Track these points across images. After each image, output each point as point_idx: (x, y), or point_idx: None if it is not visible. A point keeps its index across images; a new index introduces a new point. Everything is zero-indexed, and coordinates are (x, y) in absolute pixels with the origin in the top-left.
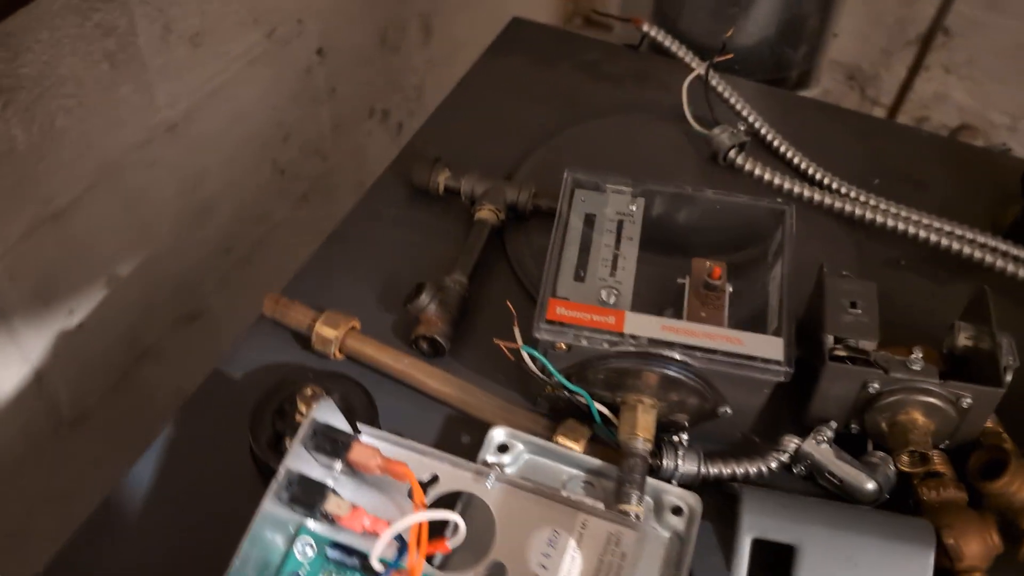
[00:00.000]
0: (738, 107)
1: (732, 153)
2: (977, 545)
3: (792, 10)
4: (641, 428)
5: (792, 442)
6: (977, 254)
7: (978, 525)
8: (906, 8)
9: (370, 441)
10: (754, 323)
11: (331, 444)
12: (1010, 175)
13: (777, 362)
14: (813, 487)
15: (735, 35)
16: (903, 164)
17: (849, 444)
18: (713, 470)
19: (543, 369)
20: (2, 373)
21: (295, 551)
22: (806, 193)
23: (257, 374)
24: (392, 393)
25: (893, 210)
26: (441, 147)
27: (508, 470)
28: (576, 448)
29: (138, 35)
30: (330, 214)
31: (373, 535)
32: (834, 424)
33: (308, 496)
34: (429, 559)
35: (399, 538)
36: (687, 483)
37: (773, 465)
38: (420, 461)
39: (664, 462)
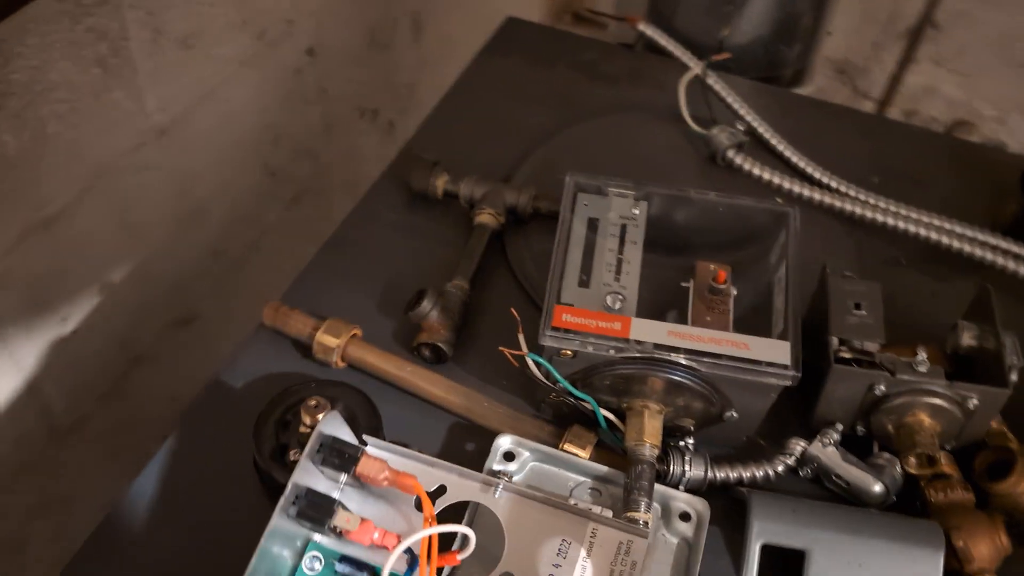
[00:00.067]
0: (735, 106)
1: (730, 153)
2: (986, 547)
3: (786, 8)
4: (648, 434)
5: (798, 445)
6: (978, 252)
7: (987, 526)
8: (895, 2)
9: (377, 453)
10: (757, 325)
11: (339, 458)
12: (1008, 171)
13: (784, 366)
14: (820, 490)
15: (730, 33)
16: (901, 161)
17: (855, 446)
18: (720, 474)
19: (548, 376)
20: None
21: (304, 566)
22: (806, 193)
23: (258, 384)
24: (395, 401)
25: (893, 208)
26: (438, 149)
27: (514, 478)
28: (582, 455)
29: (129, 39)
30: (322, 215)
31: (382, 548)
32: (840, 426)
33: (317, 511)
34: (439, 572)
35: (408, 551)
36: (694, 488)
37: (780, 468)
38: (427, 472)
39: (671, 468)
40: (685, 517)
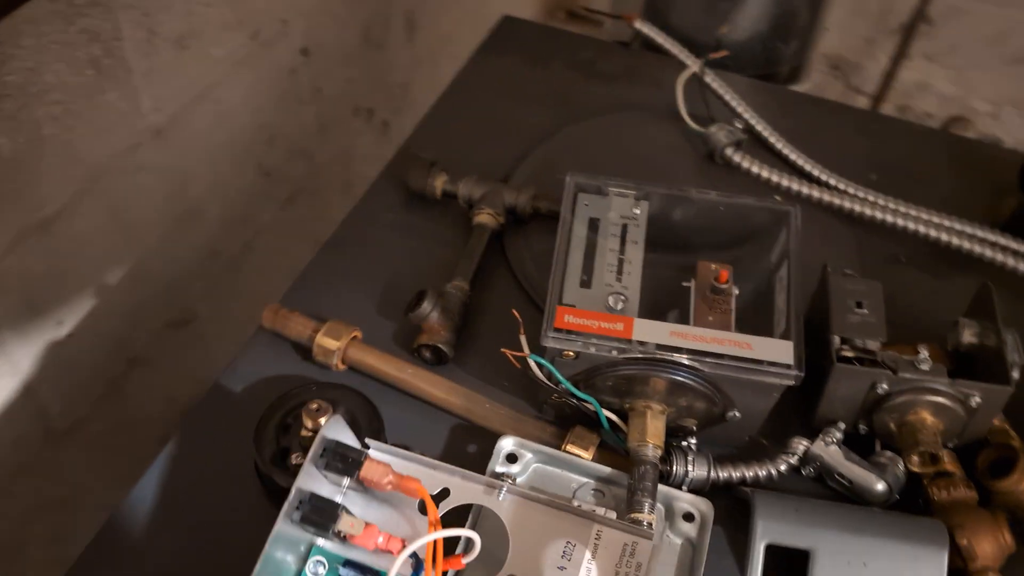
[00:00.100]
0: (733, 104)
1: (729, 151)
2: (990, 545)
3: (783, 5)
4: (651, 434)
5: (801, 444)
6: (977, 249)
7: (990, 524)
8: None
9: (380, 457)
10: (757, 324)
11: (343, 462)
12: (1005, 167)
13: (787, 366)
14: (822, 489)
15: (725, 30)
16: (899, 158)
17: (857, 444)
18: (723, 474)
19: (550, 377)
20: None
21: (307, 571)
22: (804, 190)
23: (258, 387)
24: (395, 403)
25: (892, 206)
26: (435, 150)
27: (518, 480)
28: (585, 456)
29: (123, 40)
30: (317, 215)
31: (386, 553)
32: (842, 425)
33: (321, 516)
34: (444, 575)
35: (413, 555)
36: (697, 488)
37: (782, 468)
38: (430, 475)
39: (674, 468)
40: (689, 518)
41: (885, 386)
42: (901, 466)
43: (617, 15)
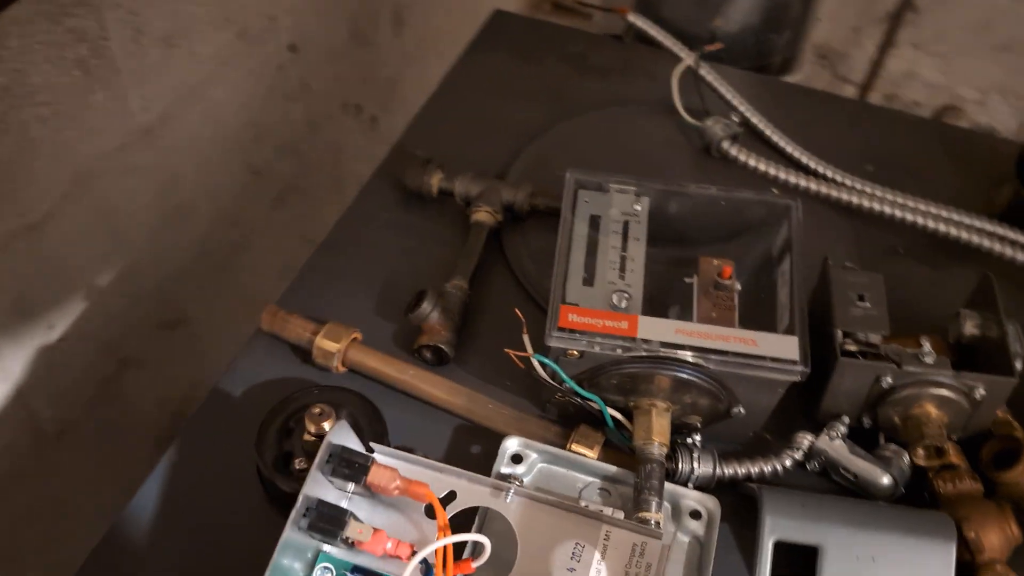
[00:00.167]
0: (728, 97)
1: (725, 144)
2: (997, 537)
3: None
4: (656, 432)
5: (805, 439)
6: (975, 239)
7: (997, 516)
8: None
9: (385, 461)
10: (758, 319)
11: (349, 468)
12: (1000, 156)
13: (792, 361)
14: (827, 483)
15: (719, 22)
16: (894, 149)
17: (861, 438)
18: (728, 471)
19: (554, 376)
20: None
21: None
22: (802, 183)
23: (258, 391)
24: (396, 405)
25: (889, 197)
26: (429, 147)
27: (523, 481)
28: (591, 455)
29: (110, 39)
30: (307, 213)
31: (395, 558)
32: (847, 419)
33: (328, 523)
34: None
35: (422, 560)
36: (703, 485)
37: (787, 463)
38: (436, 478)
39: (680, 465)
40: (696, 515)
41: (889, 380)
42: (906, 459)
43: (609, 8)
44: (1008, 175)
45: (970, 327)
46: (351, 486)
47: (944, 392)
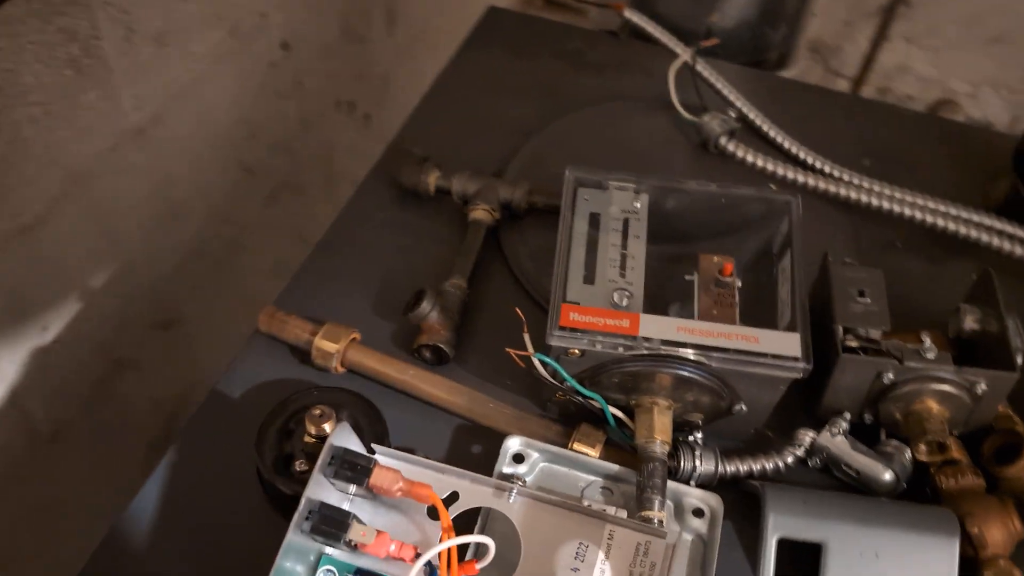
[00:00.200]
0: (725, 92)
1: (723, 140)
2: (999, 532)
3: None
4: (658, 430)
5: (807, 436)
6: (974, 233)
7: (999, 512)
8: None
9: (387, 462)
10: (757, 316)
11: (352, 470)
12: (996, 150)
13: (795, 358)
14: (829, 479)
15: (715, 18)
16: (891, 143)
17: (861, 434)
18: (730, 468)
19: (555, 375)
20: None
21: None
22: (800, 178)
23: (256, 392)
24: (396, 405)
25: (887, 192)
26: (425, 146)
27: (525, 480)
28: (592, 454)
29: (102, 38)
30: (300, 211)
31: (398, 560)
32: (848, 415)
33: (331, 525)
34: None
35: (427, 563)
36: (705, 483)
37: (789, 460)
38: (438, 479)
39: (682, 463)
40: (698, 513)
41: (891, 375)
42: (907, 455)
43: (605, 4)
44: (1004, 169)
45: (970, 322)
46: (352, 488)
47: (945, 387)
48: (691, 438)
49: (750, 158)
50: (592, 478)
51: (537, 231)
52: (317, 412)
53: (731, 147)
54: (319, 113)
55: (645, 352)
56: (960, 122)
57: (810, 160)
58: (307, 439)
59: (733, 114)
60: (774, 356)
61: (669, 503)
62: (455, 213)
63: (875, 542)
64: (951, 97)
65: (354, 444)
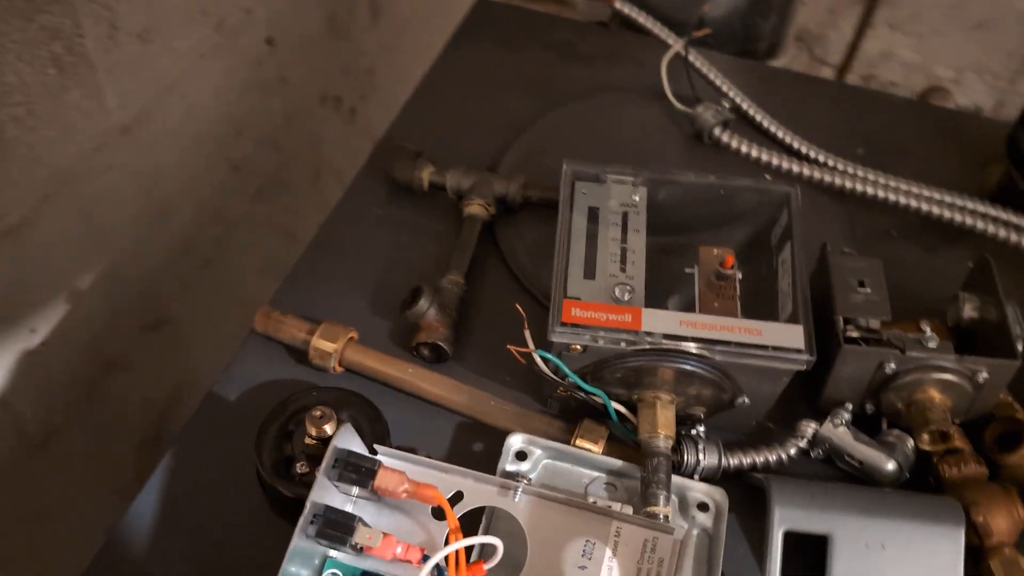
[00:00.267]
0: (718, 83)
1: (717, 131)
2: (1004, 520)
3: None
4: (662, 425)
5: (809, 427)
6: (969, 221)
7: (1003, 500)
8: None
9: (390, 463)
10: (757, 308)
11: (356, 473)
12: (988, 137)
13: (798, 350)
14: (831, 470)
15: (709, 8)
16: (883, 131)
17: (863, 424)
18: (733, 461)
19: (556, 371)
20: None
21: None
22: (795, 168)
23: (254, 394)
24: (395, 404)
25: (882, 180)
26: (417, 141)
27: (530, 478)
28: (595, 449)
29: (84, 36)
30: (287, 207)
31: (404, 562)
32: (850, 406)
33: (337, 529)
34: None
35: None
36: (708, 476)
37: (792, 452)
38: (442, 479)
39: (685, 457)
40: (703, 507)
41: (892, 365)
42: (910, 444)
43: None
44: (997, 156)
45: (969, 310)
46: (356, 490)
47: (947, 376)
48: (694, 432)
49: (744, 148)
50: (596, 474)
51: (532, 225)
52: (317, 413)
53: (725, 138)
54: (305, 108)
55: (648, 347)
56: (951, 109)
57: (804, 150)
58: (308, 440)
59: (727, 104)
60: (777, 348)
61: (674, 498)
62: (450, 208)
63: (881, 533)
64: (936, 83)
65: (357, 446)
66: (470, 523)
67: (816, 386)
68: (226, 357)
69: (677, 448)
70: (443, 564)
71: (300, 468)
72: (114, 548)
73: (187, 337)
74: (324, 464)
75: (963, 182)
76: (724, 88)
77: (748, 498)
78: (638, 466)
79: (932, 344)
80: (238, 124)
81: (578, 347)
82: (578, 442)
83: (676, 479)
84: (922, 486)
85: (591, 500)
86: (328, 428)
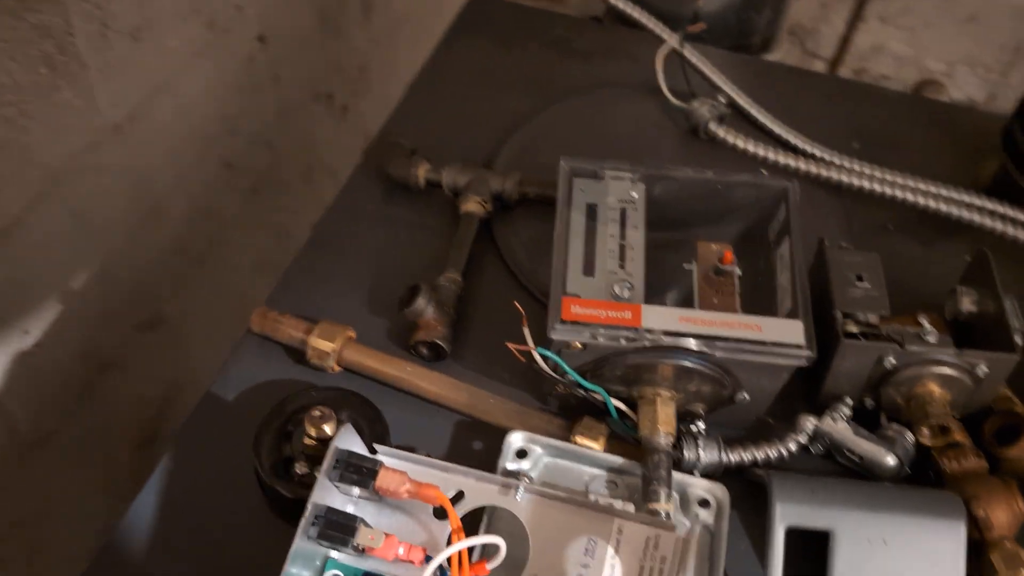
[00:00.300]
0: (713, 78)
1: (713, 126)
2: (1004, 514)
3: None
4: (662, 422)
5: (809, 422)
6: (965, 214)
7: (1004, 493)
8: None
9: (391, 463)
10: (755, 303)
11: (358, 473)
12: (981, 130)
13: (799, 346)
14: (831, 465)
15: (700, 2)
16: (879, 126)
17: (862, 418)
18: (734, 457)
19: (556, 368)
20: None
21: None
22: (791, 163)
23: (252, 394)
24: (394, 403)
25: (878, 174)
26: (412, 138)
27: (531, 477)
28: (596, 447)
29: (76, 35)
30: (280, 205)
31: (406, 563)
32: (850, 401)
33: (338, 530)
34: None
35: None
36: (709, 472)
37: (792, 447)
38: (443, 478)
39: (685, 454)
40: (704, 504)
41: (892, 360)
42: (909, 438)
43: None
44: (992, 149)
45: (967, 304)
46: (357, 491)
47: (947, 371)
48: (694, 428)
49: (740, 143)
50: (597, 472)
51: (529, 222)
52: (317, 413)
53: (721, 133)
54: (297, 106)
55: (648, 344)
56: (946, 102)
57: (800, 144)
58: (307, 441)
59: (722, 99)
60: (778, 344)
61: (675, 494)
62: (446, 205)
63: (883, 528)
64: (928, 77)
65: (357, 446)
66: (469, 523)
67: (815, 381)
68: (222, 355)
69: (678, 445)
70: (446, 564)
71: (300, 469)
72: (114, 549)
73: (182, 336)
74: (325, 465)
75: (957, 175)
76: (720, 83)
77: (749, 494)
78: (639, 463)
79: (931, 338)
80: (230, 122)
81: (578, 344)
82: (578, 439)
83: (677, 476)
84: (922, 480)
85: (592, 498)
86: (327, 428)
